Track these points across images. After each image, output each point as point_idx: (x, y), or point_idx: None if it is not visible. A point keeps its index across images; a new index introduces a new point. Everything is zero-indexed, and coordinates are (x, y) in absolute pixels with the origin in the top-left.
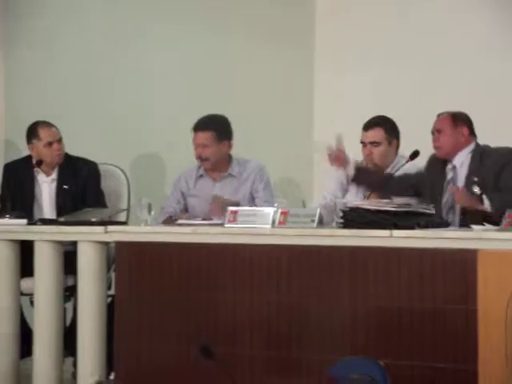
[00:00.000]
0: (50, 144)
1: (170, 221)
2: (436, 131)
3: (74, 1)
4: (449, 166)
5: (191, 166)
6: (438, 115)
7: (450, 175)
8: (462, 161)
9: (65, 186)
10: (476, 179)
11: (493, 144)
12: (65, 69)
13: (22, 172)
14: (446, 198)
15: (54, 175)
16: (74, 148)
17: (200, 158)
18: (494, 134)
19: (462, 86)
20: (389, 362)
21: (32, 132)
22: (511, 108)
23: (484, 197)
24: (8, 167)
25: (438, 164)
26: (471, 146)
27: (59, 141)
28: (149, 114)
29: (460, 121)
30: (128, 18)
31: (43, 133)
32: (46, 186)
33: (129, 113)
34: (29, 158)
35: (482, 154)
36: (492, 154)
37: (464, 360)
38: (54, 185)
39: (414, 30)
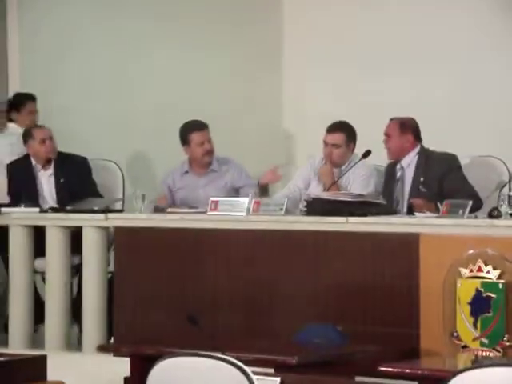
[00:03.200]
0: (43, 141)
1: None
2: (386, 135)
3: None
4: (398, 167)
5: (176, 165)
6: (391, 119)
7: (398, 174)
8: (408, 162)
9: (61, 180)
10: (422, 179)
11: (436, 146)
12: (67, 69)
13: (24, 168)
14: (395, 194)
15: (51, 170)
16: (78, 144)
17: (211, 151)
18: (437, 137)
19: (411, 94)
20: (345, 328)
21: (27, 134)
22: (457, 115)
23: (439, 204)
24: (11, 166)
25: (391, 165)
26: (417, 149)
27: (51, 138)
28: (142, 115)
29: (406, 128)
30: (126, 29)
31: (37, 133)
32: (45, 179)
33: (128, 115)
34: (27, 156)
35: (426, 157)
36: (436, 158)
37: (409, 325)
38: (52, 178)
39: (375, 36)
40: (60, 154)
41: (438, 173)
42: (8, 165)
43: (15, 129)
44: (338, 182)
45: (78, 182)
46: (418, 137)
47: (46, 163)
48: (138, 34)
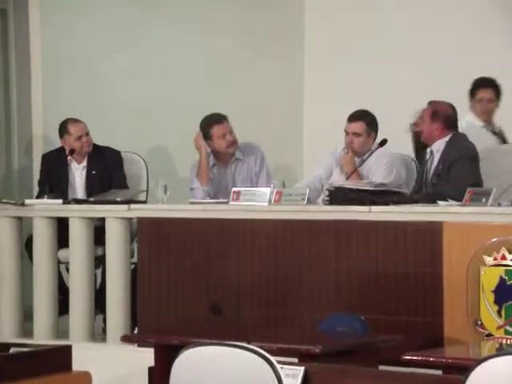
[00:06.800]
0: (79, 138)
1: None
2: (420, 118)
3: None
4: (428, 150)
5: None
6: (429, 102)
7: (427, 157)
8: (438, 147)
9: (93, 172)
10: (441, 167)
11: None
12: (89, 67)
13: (57, 160)
14: (424, 176)
15: (85, 163)
16: (102, 138)
17: (234, 141)
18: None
19: (440, 81)
20: (369, 317)
21: (63, 128)
22: None
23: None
24: (45, 157)
25: (424, 148)
26: (448, 137)
27: (87, 134)
28: (165, 111)
29: (437, 118)
30: (147, 20)
31: (73, 129)
32: (78, 172)
33: (149, 109)
34: (62, 149)
35: (451, 146)
36: (455, 146)
37: (432, 314)
38: (85, 171)
39: (400, 23)
40: (95, 146)
41: (450, 159)
42: (42, 156)
43: (472, 123)
44: (360, 171)
45: (108, 174)
46: (448, 125)
47: (78, 157)
48: (159, 24)
